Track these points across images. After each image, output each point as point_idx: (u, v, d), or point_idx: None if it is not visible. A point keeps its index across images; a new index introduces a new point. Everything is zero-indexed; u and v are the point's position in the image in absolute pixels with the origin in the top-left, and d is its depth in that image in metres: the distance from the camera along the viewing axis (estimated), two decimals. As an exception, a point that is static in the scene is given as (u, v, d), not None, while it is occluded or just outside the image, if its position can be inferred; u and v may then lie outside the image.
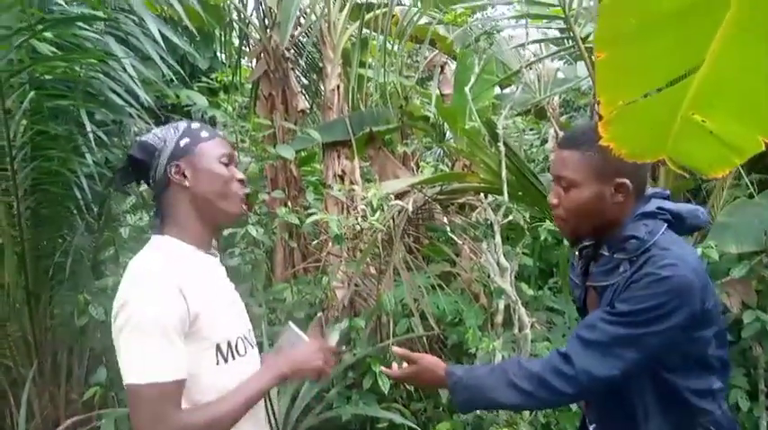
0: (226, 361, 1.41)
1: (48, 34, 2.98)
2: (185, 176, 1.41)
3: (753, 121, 1.08)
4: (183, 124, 1.48)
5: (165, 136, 1.44)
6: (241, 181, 1.48)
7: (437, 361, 1.64)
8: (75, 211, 3.43)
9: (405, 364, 1.69)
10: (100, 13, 3.14)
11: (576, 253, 1.65)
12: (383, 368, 1.74)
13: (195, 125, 1.48)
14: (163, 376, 1.27)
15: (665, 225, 1.42)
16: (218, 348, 1.39)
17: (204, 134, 1.46)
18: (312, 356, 1.57)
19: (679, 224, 1.45)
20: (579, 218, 1.47)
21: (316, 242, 3.72)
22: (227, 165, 1.45)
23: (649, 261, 1.36)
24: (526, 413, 2.82)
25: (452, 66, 5.54)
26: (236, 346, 1.44)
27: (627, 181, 1.41)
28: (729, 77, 1.06)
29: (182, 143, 1.43)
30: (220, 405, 1.36)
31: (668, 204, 1.45)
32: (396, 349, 1.73)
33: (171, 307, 1.30)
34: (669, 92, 1.11)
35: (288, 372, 1.51)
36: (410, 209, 2.99)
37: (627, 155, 1.24)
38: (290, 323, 1.74)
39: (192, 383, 1.35)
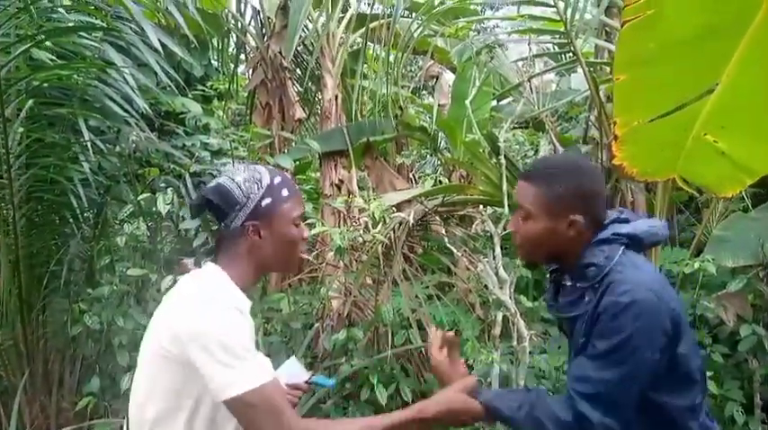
0: None
1: (46, 42, 2.96)
2: (261, 237, 1.46)
3: (764, 143, 1.10)
4: (266, 178, 1.48)
5: (249, 192, 1.45)
6: (305, 239, 1.54)
7: (467, 397, 1.59)
8: (70, 219, 3.40)
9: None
10: (99, 22, 3.13)
11: (548, 276, 1.69)
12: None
13: (277, 180, 1.49)
14: (260, 379, 1.32)
15: (622, 247, 1.45)
16: None
17: (285, 193, 1.48)
18: None
19: (637, 244, 1.48)
20: (532, 246, 1.53)
21: (314, 253, 3.71)
22: (299, 225, 1.51)
23: (609, 289, 1.39)
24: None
25: (447, 76, 5.56)
26: None
27: (579, 217, 1.45)
28: (742, 100, 1.07)
29: (263, 203, 1.45)
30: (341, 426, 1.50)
31: (623, 228, 1.48)
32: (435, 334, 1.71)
33: (242, 323, 1.37)
34: (682, 113, 1.13)
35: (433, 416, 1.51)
36: (411, 221, 2.99)
37: (639, 173, 1.25)
38: (294, 358, 1.79)
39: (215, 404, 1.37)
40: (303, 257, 1.60)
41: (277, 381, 1.38)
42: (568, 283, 1.52)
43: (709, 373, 2.86)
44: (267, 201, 1.45)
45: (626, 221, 1.50)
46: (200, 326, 1.33)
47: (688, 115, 1.05)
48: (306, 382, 1.74)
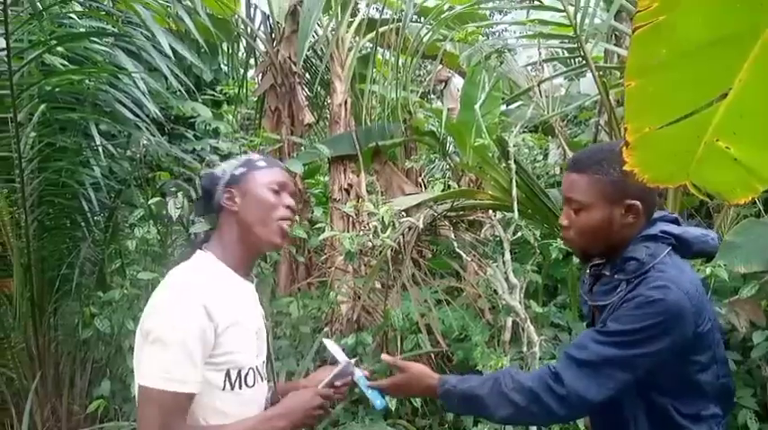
0: (232, 388, 1.42)
1: (58, 48, 2.99)
2: (235, 202, 1.48)
3: (777, 149, 1.08)
4: (246, 156, 1.56)
5: (227, 166, 1.54)
6: (289, 207, 1.51)
7: (427, 369, 1.64)
8: (81, 223, 3.43)
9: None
10: (110, 28, 3.16)
11: (588, 270, 1.66)
12: (366, 376, 1.64)
13: (256, 156, 1.56)
14: (176, 386, 1.31)
15: (669, 248, 1.42)
16: (228, 374, 1.41)
17: (260, 164, 1.52)
18: (307, 405, 1.50)
19: (685, 248, 1.45)
20: (589, 239, 1.48)
21: (323, 258, 3.72)
22: (277, 192, 1.50)
23: (643, 282, 1.37)
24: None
25: (456, 80, 5.56)
26: (246, 377, 1.45)
27: (637, 202, 1.41)
28: (754, 106, 1.06)
29: (237, 171, 1.50)
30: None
31: (673, 228, 1.45)
32: (384, 357, 1.72)
33: (195, 322, 1.33)
34: (694, 119, 1.12)
35: (287, 426, 1.46)
36: (421, 225, 2.99)
37: (650, 179, 1.24)
38: (325, 340, 1.76)
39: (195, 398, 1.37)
40: (286, 234, 1.54)
41: (189, 396, 1.34)
42: (607, 273, 1.49)
43: (721, 380, 2.84)
44: (242, 169, 1.50)
45: (676, 222, 1.47)
46: (149, 317, 1.36)
47: (700, 121, 1.04)
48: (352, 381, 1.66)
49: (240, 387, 1.42)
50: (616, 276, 1.43)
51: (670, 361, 1.36)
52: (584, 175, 1.45)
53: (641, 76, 0.98)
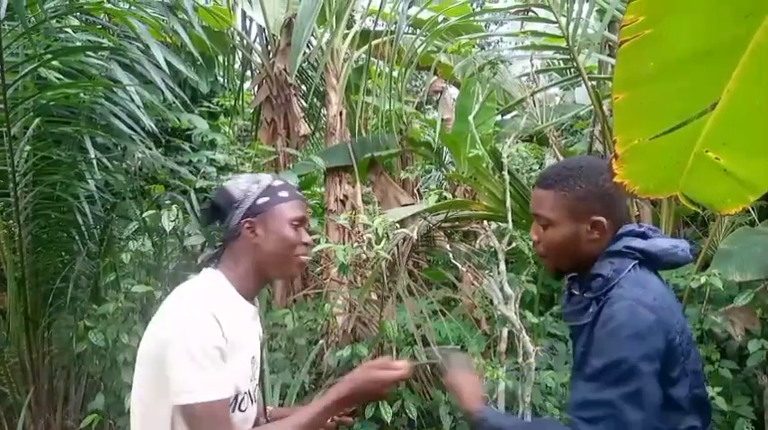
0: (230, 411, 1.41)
1: (54, 62, 3.00)
2: (256, 234, 1.47)
3: (766, 159, 1.09)
4: (266, 180, 1.53)
5: (248, 190, 1.50)
6: (307, 244, 1.53)
7: (479, 390, 1.63)
8: (76, 236, 3.42)
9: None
10: (106, 41, 3.17)
11: (567, 283, 1.67)
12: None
13: (277, 183, 1.53)
14: (215, 394, 1.33)
15: (634, 262, 1.42)
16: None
17: (283, 194, 1.51)
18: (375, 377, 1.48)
19: (652, 261, 1.44)
20: (557, 254, 1.50)
21: (319, 269, 3.71)
22: (297, 227, 1.50)
23: (608, 303, 1.37)
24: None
25: (451, 90, 5.59)
26: (241, 402, 1.45)
27: (602, 218, 1.42)
28: (743, 116, 1.07)
29: (260, 201, 1.48)
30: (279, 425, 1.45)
31: (638, 242, 1.44)
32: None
33: (212, 333, 1.34)
34: (683, 131, 1.13)
35: (348, 394, 1.46)
36: (415, 237, 2.99)
37: (640, 191, 1.24)
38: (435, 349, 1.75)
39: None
40: (304, 266, 1.57)
41: (226, 401, 1.35)
42: (576, 292, 1.49)
43: (717, 389, 2.84)
44: (264, 199, 1.48)
45: (642, 236, 1.46)
46: (170, 329, 1.35)
47: (689, 132, 1.05)
48: None
49: (234, 411, 1.42)
50: (585, 295, 1.44)
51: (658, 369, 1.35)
52: (550, 192, 1.47)
53: (629, 88, 0.99)
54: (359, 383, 1.46)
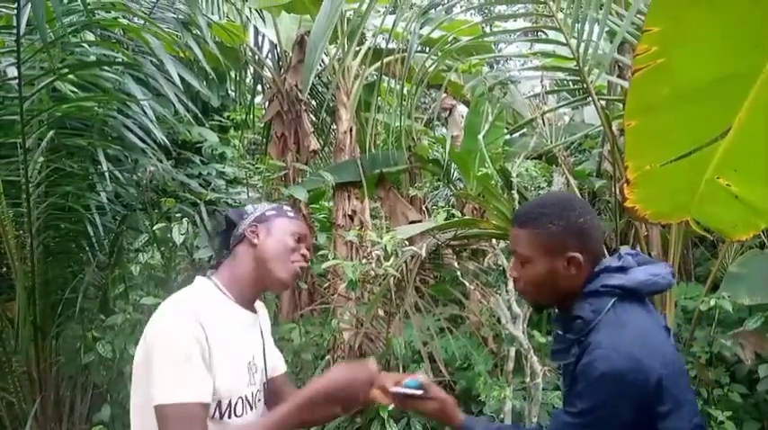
0: (221, 417, 1.42)
1: (70, 76, 3.05)
2: (258, 236, 1.56)
3: (777, 187, 1.09)
4: (276, 204, 1.69)
5: (260, 207, 1.65)
6: (304, 256, 1.60)
7: (455, 406, 1.64)
8: (86, 247, 3.44)
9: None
10: (120, 56, 3.21)
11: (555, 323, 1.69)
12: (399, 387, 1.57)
13: (287, 207, 1.69)
14: (189, 396, 1.33)
15: (614, 300, 1.41)
16: (219, 403, 1.41)
17: (290, 213, 1.65)
18: (354, 383, 1.45)
19: (633, 294, 1.43)
20: (537, 290, 1.51)
21: (326, 285, 3.72)
22: (298, 241, 1.60)
23: (588, 350, 1.37)
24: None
25: (461, 108, 5.61)
26: (235, 406, 1.45)
27: (578, 254, 1.43)
28: (754, 144, 1.08)
29: (267, 212, 1.62)
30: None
31: (616, 279, 1.43)
32: (420, 376, 1.65)
33: (194, 339, 1.35)
34: (695, 157, 1.13)
35: (324, 394, 1.41)
36: (424, 254, 2.99)
37: (652, 215, 1.25)
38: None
39: None
40: (297, 276, 1.62)
41: (200, 405, 1.35)
42: (559, 332, 1.51)
43: (727, 413, 2.81)
44: (272, 212, 1.62)
45: (621, 270, 1.45)
46: (152, 333, 1.39)
47: (701, 159, 1.06)
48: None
49: (229, 416, 1.43)
50: (567, 335, 1.46)
51: (638, 419, 1.35)
52: (525, 230, 1.49)
53: (641, 115, 1.00)
54: (337, 384, 1.43)
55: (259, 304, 1.68)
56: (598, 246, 1.51)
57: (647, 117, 1.00)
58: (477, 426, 1.60)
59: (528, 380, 2.75)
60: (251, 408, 1.50)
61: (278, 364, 1.72)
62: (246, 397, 1.49)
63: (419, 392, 1.57)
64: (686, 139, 1.06)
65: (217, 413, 1.41)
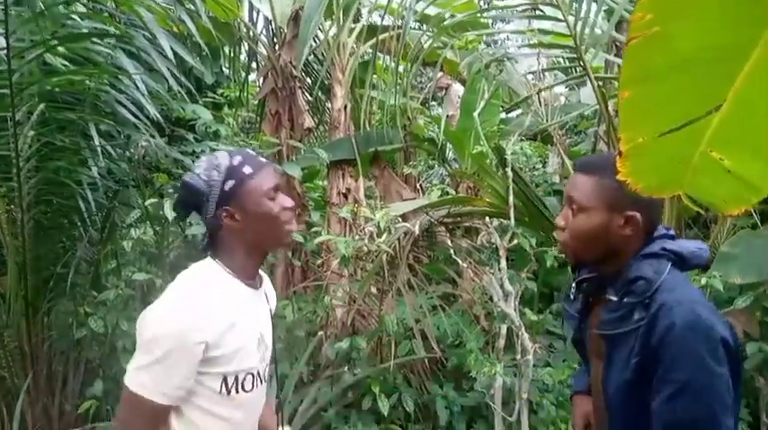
0: (228, 393, 1.42)
1: (60, 48, 3.00)
2: (237, 220, 1.45)
3: (770, 161, 1.09)
4: (224, 161, 1.45)
5: (210, 178, 1.44)
6: (288, 208, 1.49)
7: None
8: (78, 223, 3.42)
9: None
10: (112, 29, 3.16)
11: (574, 285, 1.63)
12: None
13: (236, 160, 1.46)
14: (144, 391, 1.34)
15: (670, 264, 1.39)
16: (225, 379, 1.41)
17: (247, 170, 1.45)
18: None
19: (682, 263, 1.42)
20: (582, 243, 1.45)
21: (320, 262, 3.72)
22: (273, 198, 1.46)
23: (664, 309, 1.31)
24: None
25: (457, 87, 5.58)
26: (244, 381, 1.45)
27: (638, 214, 1.38)
28: (749, 117, 1.07)
29: (227, 187, 1.43)
30: None
31: (671, 244, 1.42)
32: None
33: (183, 328, 1.33)
34: (689, 129, 1.12)
35: None
36: (417, 231, 2.99)
37: (643, 189, 1.24)
38: None
39: (188, 399, 1.39)
40: (293, 232, 1.55)
41: (156, 407, 1.35)
42: (613, 298, 1.42)
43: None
44: (230, 183, 1.43)
45: (672, 238, 1.44)
46: (151, 316, 1.37)
47: (695, 132, 1.05)
48: None
49: (237, 391, 1.42)
50: (625, 300, 1.38)
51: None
52: (591, 178, 1.42)
53: (635, 85, 0.99)
54: None
55: (264, 276, 1.65)
56: (658, 214, 1.47)
57: (641, 87, 0.98)
58: None
59: (519, 357, 2.77)
60: (261, 383, 1.51)
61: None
62: (259, 372, 1.48)
63: None
64: (681, 111, 1.05)
65: (224, 389, 1.41)
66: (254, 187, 1.44)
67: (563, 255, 2.81)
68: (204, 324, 1.35)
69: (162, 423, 1.39)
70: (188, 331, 1.33)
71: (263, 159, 1.50)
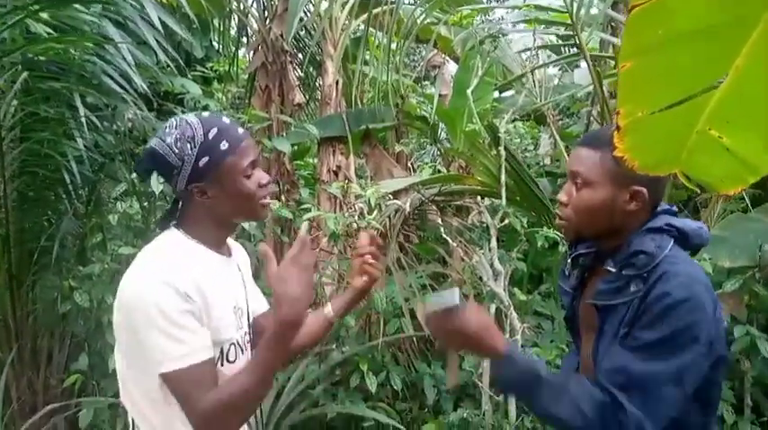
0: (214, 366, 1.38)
1: (43, 14, 2.92)
2: (209, 196, 1.38)
3: (769, 140, 1.06)
4: (198, 133, 1.36)
5: (183, 153, 1.35)
6: (264, 185, 1.43)
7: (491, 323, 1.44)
8: (63, 196, 3.37)
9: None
10: (98, -5, 3.08)
11: (569, 260, 1.62)
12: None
13: (213, 133, 1.36)
14: (185, 361, 1.27)
15: (672, 241, 1.37)
16: None
17: (224, 146, 1.36)
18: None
19: (684, 241, 1.40)
20: (586, 219, 1.42)
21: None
22: (249, 175, 1.40)
23: (662, 279, 1.30)
24: (512, 417, 2.82)
25: (450, 66, 5.52)
26: (228, 353, 1.41)
27: (644, 190, 1.36)
28: (749, 95, 1.04)
29: (201, 163, 1.35)
30: (241, 377, 1.31)
31: (675, 220, 1.40)
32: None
33: (172, 293, 1.28)
34: (688, 105, 1.09)
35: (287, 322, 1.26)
36: (408, 209, 2.96)
37: (640, 166, 1.21)
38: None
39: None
40: (268, 206, 1.49)
41: (203, 361, 1.30)
42: (612, 269, 1.40)
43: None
44: (204, 159, 1.35)
45: (675, 214, 1.42)
46: (133, 296, 1.30)
47: (694, 108, 1.02)
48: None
49: (222, 364, 1.39)
50: (624, 272, 1.37)
51: (703, 365, 1.29)
52: (596, 152, 1.39)
53: (636, 57, 0.95)
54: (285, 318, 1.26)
55: (235, 244, 1.60)
56: (663, 190, 1.44)
57: (641, 59, 0.95)
58: (520, 359, 1.38)
59: (507, 336, 2.77)
60: (242, 352, 1.47)
61: (260, 304, 1.67)
62: (238, 341, 1.45)
63: (457, 304, 1.33)
64: (680, 86, 1.02)
65: None
66: (230, 165, 1.37)
67: (556, 235, 2.80)
68: (187, 291, 1.30)
69: (216, 379, 1.32)
70: (179, 290, 1.28)
71: (240, 130, 1.42)
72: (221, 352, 1.39)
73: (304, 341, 1.64)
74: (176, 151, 1.35)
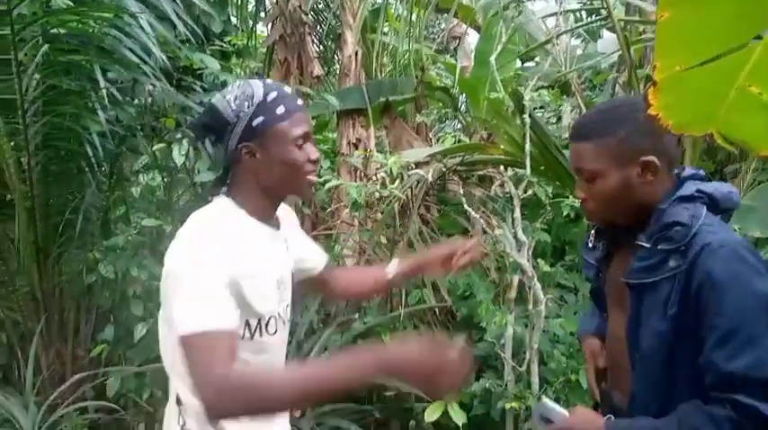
0: (252, 337, 1.38)
1: (62, -14, 2.91)
2: (257, 158, 1.38)
3: (813, 97, 1.01)
4: (259, 93, 1.37)
5: (240, 109, 1.36)
6: (314, 161, 1.42)
7: (593, 414, 1.43)
8: (86, 169, 3.39)
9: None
10: (117, -34, 3.06)
11: (593, 232, 1.58)
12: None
13: (272, 96, 1.37)
14: (207, 325, 1.24)
15: (705, 208, 1.31)
16: (248, 323, 1.37)
17: (280, 111, 1.36)
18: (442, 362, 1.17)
19: (714, 207, 1.33)
20: (610, 207, 1.38)
21: (328, 210, 3.68)
22: (301, 145, 1.39)
23: (705, 251, 1.23)
24: (535, 388, 2.81)
25: (471, 38, 5.43)
26: (267, 324, 1.41)
27: (653, 158, 1.30)
28: (794, 48, 0.99)
29: (255, 122, 1.35)
30: (283, 376, 1.28)
31: (705, 186, 1.34)
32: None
33: (215, 261, 1.28)
34: (727, 60, 1.04)
35: (394, 368, 1.19)
36: (430, 178, 2.92)
37: (674, 125, 1.17)
38: (544, 399, 1.49)
39: None
40: (314, 184, 1.49)
41: (230, 333, 1.27)
42: (645, 244, 1.33)
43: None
44: (259, 119, 1.35)
45: (705, 179, 1.36)
46: (174, 262, 1.31)
47: (733, 63, 0.97)
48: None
49: (261, 335, 1.40)
50: (660, 247, 1.30)
51: None
52: (589, 142, 1.35)
53: (675, 6, 0.91)
54: (410, 362, 1.17)
55: (285, 209, 1.59)
56: (673, 147, 1.39)
57: (680, 9, 0.90)
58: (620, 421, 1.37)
59: (531, 307, 2.75)
60: (283, 324, 1.48)
61: (318, 258, 1.72)
62: (279, 313, 1.45)
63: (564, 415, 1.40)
64: (720, 39, 0.97)
65: (247, 332, 1.37)
66: (283, 131, 1.36)
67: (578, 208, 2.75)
68: (235, 259, 1.30)
69: (234, 354, 1.26)
70: (225, 260, 1.28)
71: (300, 101, 1.42)
72: (258, 323, 1.39)
73: (359, 287, 1.78)
74: (234, 107, 1.36)
